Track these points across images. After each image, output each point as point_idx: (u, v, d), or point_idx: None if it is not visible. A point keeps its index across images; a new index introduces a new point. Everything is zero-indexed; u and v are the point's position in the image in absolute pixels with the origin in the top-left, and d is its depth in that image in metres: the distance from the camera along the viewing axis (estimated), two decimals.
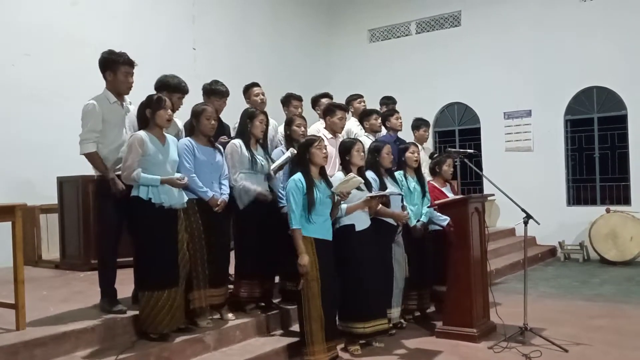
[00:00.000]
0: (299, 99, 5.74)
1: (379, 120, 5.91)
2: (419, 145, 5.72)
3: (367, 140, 5.29)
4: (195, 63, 8.94)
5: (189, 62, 8.83)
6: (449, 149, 5.84)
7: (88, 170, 5.61)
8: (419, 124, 6.36)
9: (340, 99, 6.37)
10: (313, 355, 4.01)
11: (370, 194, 4.39)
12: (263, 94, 5.37)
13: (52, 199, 6.34)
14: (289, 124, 4.92)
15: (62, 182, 6.23)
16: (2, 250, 4.37)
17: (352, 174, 4.26)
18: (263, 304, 4.68)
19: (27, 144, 6.68)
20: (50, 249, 6.54)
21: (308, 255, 3.99)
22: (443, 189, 5.45)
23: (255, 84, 5.41)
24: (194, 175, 4.09)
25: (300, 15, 11.57)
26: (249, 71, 8.64)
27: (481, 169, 10.12)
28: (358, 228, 4.43)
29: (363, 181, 4.35)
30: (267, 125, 4.68)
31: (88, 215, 5.85)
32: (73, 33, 7.33)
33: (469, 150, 5.73)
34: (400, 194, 4.86)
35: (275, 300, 4.87)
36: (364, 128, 5.90)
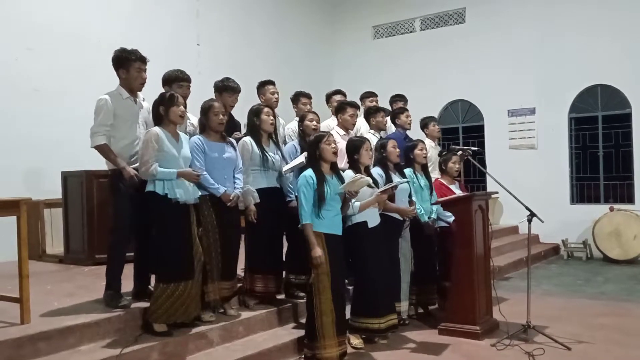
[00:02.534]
0: (308, 96, 5.77)
1: (385, 119, 5.94)
2: (432, 142, 5.78)
3: (372, 138, 5.32)
4: (199, 59, 8.94)
5: (192, 58, 8.81)
6: (453, 147, 5.87)
7: (92, 164, 5.65)
8: (426, 121, 6.45)
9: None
10: (324, 349, 4.02)
11: (380, 189, 4.43)
12: (278, 93, 5.38)
13: (56, 193, 6.36)
14: (302, 119, 4.98)
15: (66, 177, 6.25)
16: (7, 245, 4.39)
17: (359, 175, 4.27)
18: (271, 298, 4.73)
19: (31, 139, 6.69)
20: (55, 244, 6.57)
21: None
22: (451, 186, 5.49)
23: (271, 82, 5.41)
24: (205, 172, 4.13)
25: (304, 11, 11.55)
26: (252, 67, 8.67)
27: (485, 167, 10.09)
28: (370, 225, 4.47)
29: (371, 181, 4.36)
30: (274, 117, 4.73)
31: (92, 210, 5.87)
32: (76, 28, 7.33)
33: (472, 148, 5.75)
34: (407, 181, 4.91)
35: (278, 296, 4.88)
36: (370, 125, 5.92)
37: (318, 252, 3.97)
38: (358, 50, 12.01)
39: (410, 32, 11.73)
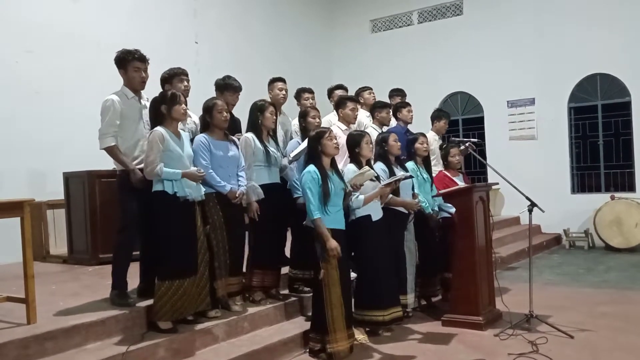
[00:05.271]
0: (310, 91, 5.79)
1: (390, 114, 5.99)
2: (436, 136, 5.80)
3: (373, 132, 5.37)
4: (198, 57, 8.95)
5: (191, 56, 8.83)
6: (453, 139, 5.89)
7: (94, 165, 5.67)
8: (440, 115, 6.50)
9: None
10: (336, 342, 4.04)
11: (384, 182, 4.46)
12: (286, 90, 5.43)
13: (59, 194, 6.38)
14: (303, 116, 5.01)
15: (68, 178, 6.26)
16: (11, 246, 4.41)
17: (367, 167, 4.34)
18: (272, 293, 4.76)
19: (32, 141, 6.70)
20: (58, 244, 6.59)
21: None
22: (455, 178, 5.54)
23: (282, 79, 5.46)
24: (212, 171, 4.17)
25: (302, 7, 11.54)
26: (251, 64, 8.68)
27: (485, 158, 10.11)
28: (374, 218, 4.50)
29: (376, 174, 4.42)
30: (277, 116, 4.78)
31: (95, 210, 5.89)
32: (75, 29, 7.33)
33: (472, 140, 5.77)
34: (411, 176, 4.93)
35: (282, 291, 4.91)
36: (374, 120, 5.94)
37: (334, 243, 3.99)
38: (356, 44, 12.00)
39: (408, 25, 11.71)
